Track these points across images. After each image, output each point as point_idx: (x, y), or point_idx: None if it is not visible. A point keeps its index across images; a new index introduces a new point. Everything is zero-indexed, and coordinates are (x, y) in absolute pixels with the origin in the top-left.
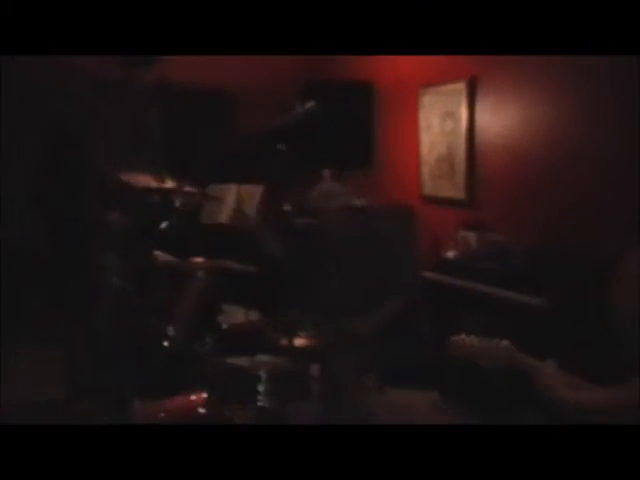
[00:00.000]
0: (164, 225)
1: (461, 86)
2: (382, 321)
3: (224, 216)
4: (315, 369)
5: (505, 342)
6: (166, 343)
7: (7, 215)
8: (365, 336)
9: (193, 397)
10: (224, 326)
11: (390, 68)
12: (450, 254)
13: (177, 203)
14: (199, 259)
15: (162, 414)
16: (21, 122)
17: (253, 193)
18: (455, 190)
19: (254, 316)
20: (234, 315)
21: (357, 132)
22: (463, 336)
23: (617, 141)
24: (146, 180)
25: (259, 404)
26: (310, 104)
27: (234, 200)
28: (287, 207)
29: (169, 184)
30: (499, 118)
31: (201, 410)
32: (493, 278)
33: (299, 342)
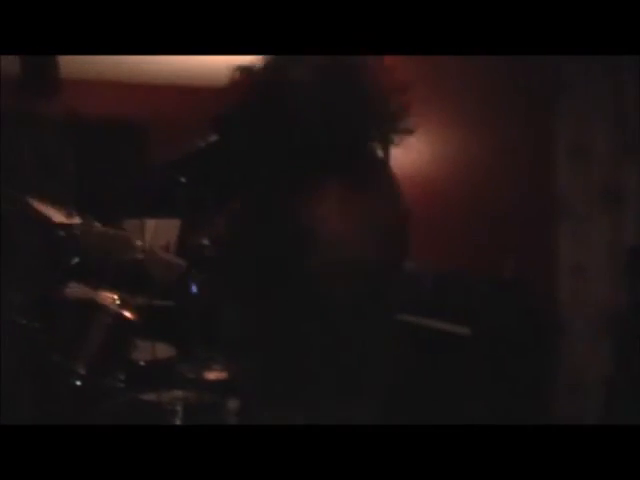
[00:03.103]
0: (73, 260)
1: None
2: None
3: (136, 251)
4: (233, 403)
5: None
6: (78, 382)
7: None
8: None
9: None
10: (140, 362)
11: None
12: None
13: (86, 238)
14: (109, 294)
15: None
16: None
17: (169, 227)
18: None
19: (166, 351)
20: (145, 350)
21: None
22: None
23: (526, 173)
24: (54, 215)
25: None
26: (214, 137)
27: (150, 235)
28: (204, 241)
29: (76, 219)
30: (411, 150)
31: None
32: (414, 306)
33: (211, 376)
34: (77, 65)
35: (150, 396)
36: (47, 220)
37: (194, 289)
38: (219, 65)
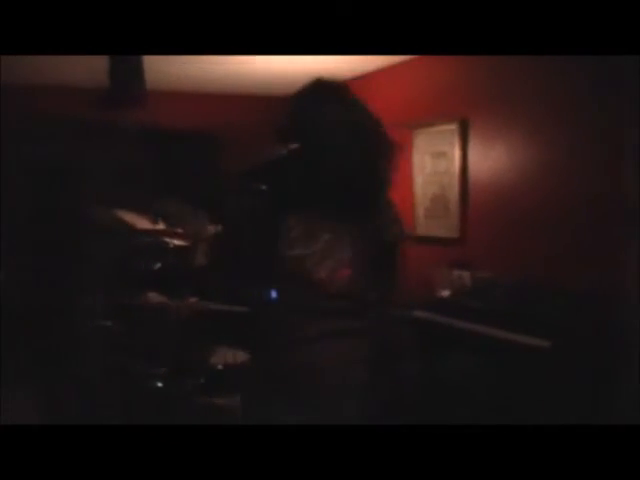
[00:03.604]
0: (156, 266)
1: (453, 127)
2: None
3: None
4: None
5: None
6: (159, 384)
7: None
8: None
9: None
10: (219, 367)
11: (380, 109)
12: (441, 293)
13: (170, 244)
14: (190, 299)
15: None
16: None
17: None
18: (449, 229)
19: (242, 357)
20: (223, 355)
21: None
22: None
23: (601, 182)
24: (140, 221)
25: None
26: (294, 145)
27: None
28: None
29: (161, 225)
30: (489, 158)
31: None
32: (482, 316)
33: None
34: (158, 76)
35: (227, 400)
36: (131, 228)
37: (273, 295)
38: (294, 73)
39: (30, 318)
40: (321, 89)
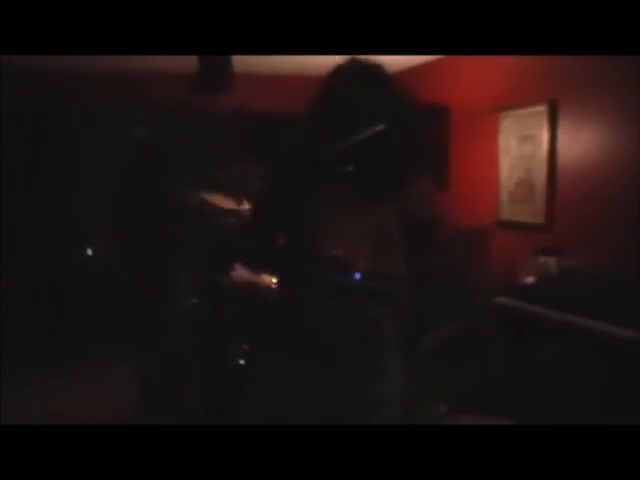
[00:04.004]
0: (242, 245)
1: (542, 109)
2: (439, 342)
3: None
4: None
5: None
6: (241, 361)
7: (88, 236)
8: (421, 354)
9: None
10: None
11: (466, 91)
12: (526, 280)
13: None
14: (270, 277)
15: None
16: (100, 149)
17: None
18: (534, 214)
19: None
20: None
21: (429, 155)
22: None
23: None
24: (225, 202)
25: None
26: (380, 126)
27: None
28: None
29: (246, 206)
30: (579, 142)
31: None
32: (571, 305)
33: None
34: (244, 62)
35: None
36: (219, 209)
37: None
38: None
39: (125, 297)
40: (369, 70)
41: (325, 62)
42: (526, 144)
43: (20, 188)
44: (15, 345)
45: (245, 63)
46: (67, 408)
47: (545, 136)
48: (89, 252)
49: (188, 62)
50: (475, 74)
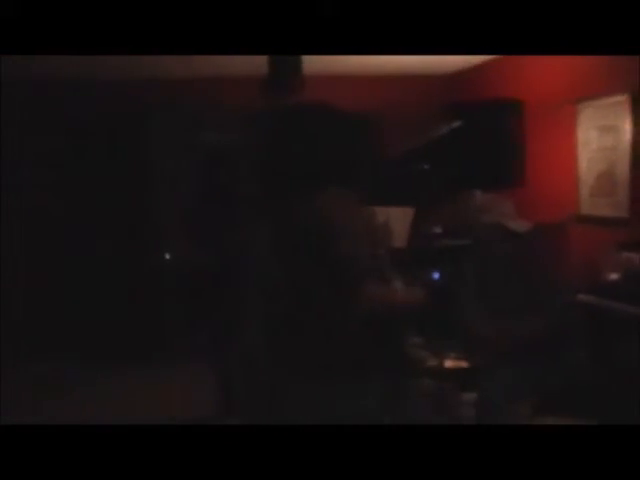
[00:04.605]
0: None
1: (622, 99)
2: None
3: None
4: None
5: None
6: None
7: (168, 234)
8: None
9: None
10: None
11: (541, 84)
12: (608, 276)
13: None
14: None
15: None
16: (175, 153)
17: (402, 216)
18: (616, 208)
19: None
20: None
21: (506, 150)
22: None
23: None
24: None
25: None
26: (456, 123)
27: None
28: (437, 229)
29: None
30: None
31: None
32: None
33: (449, 364)
34: (313, 62)
35: None
36: None
37: (436, 276)
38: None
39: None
40: None
41: (396, 59)
42: (607, 135)
43: (96, 192)
44: (97, 346)
45: (315, 64)
46: (147, 407)
47: (628, 127)
48: (167, 256)
49: (257, 63)
50: (552, 64)
